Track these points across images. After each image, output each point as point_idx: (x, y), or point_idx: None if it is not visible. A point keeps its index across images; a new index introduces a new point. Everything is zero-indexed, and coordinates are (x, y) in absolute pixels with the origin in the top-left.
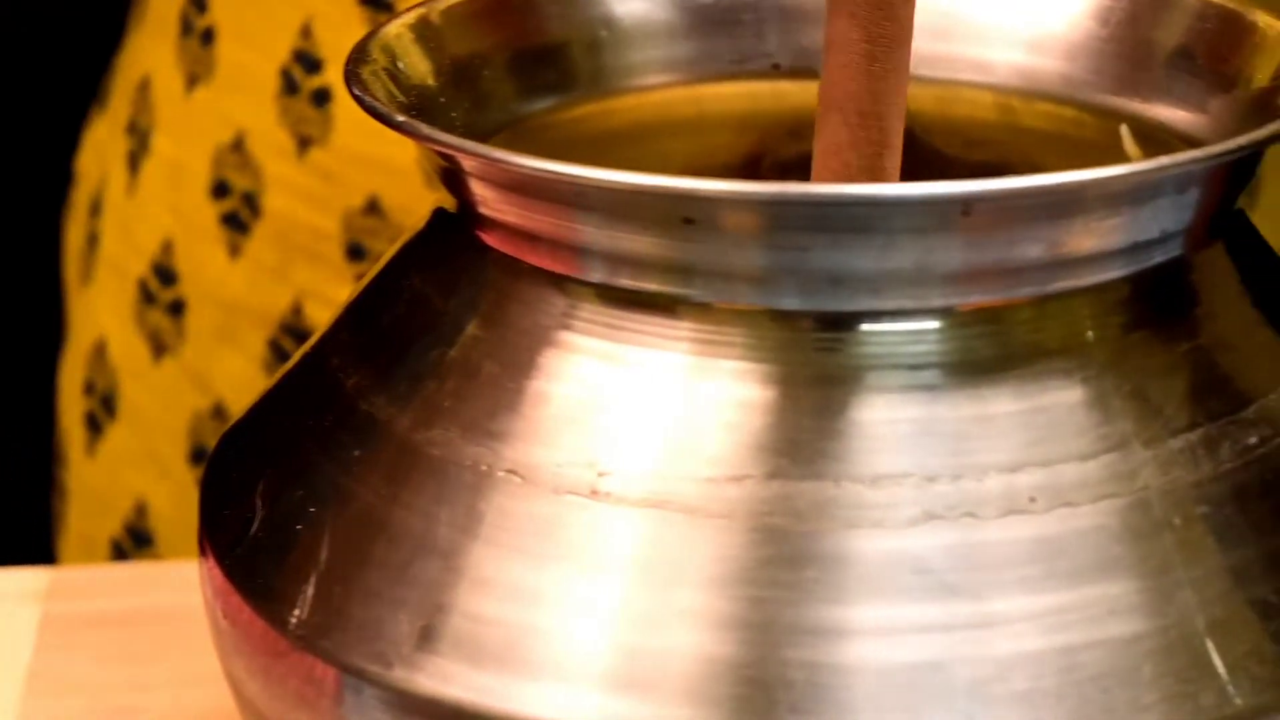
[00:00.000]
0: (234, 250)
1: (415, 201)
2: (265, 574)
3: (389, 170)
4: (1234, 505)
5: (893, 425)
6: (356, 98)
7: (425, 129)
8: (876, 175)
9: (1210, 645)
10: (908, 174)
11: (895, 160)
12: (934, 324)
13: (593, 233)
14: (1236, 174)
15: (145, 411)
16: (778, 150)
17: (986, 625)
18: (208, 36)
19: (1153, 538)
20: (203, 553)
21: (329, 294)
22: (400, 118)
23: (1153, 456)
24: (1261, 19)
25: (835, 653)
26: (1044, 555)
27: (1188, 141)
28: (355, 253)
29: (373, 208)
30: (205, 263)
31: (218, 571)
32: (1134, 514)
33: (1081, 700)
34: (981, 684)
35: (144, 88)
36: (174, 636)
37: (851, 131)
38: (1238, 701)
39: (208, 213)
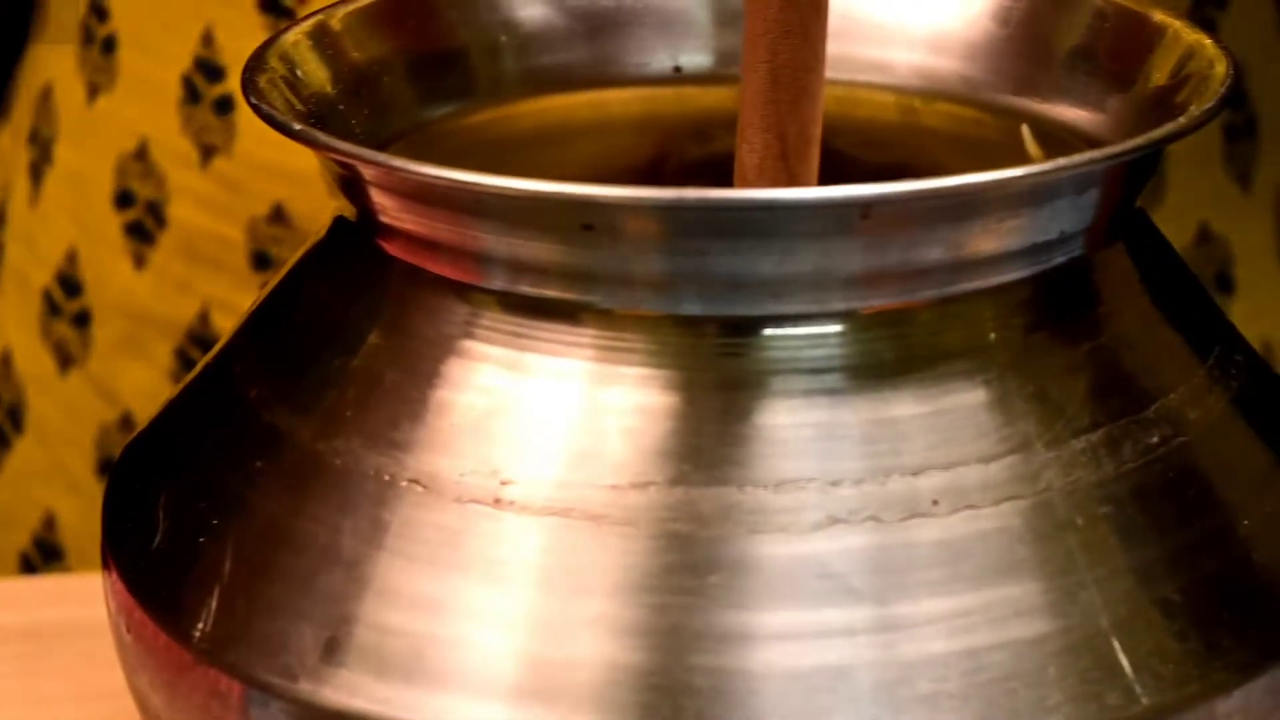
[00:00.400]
0: (139, 260)
1: (321, 209)
2: (168, 587)
3: (294, 178)
4: (1136, 505)
5: (796, 430)
6: (254, 106)
7: (322, 137)
8: (800, 165)
9: (1115, 645)
10: None
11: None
12: (836, 328)
13: (493, 240)
14: (1136, 174)
15: (52, 424)
16: (681, 153)
17: (891, 629)
18: (109, 45)
19: (1056, 539)
20: (106, 566)
21: (235, 303)
22: (297, 126)
23: (1055, 457)
24: (1159, 17)
25: (740, 658)
26: (948, 558)
27: (1088, 141)
28: (261, 261)
29: (278, 216)
30: (110, 273)
31: (121, 585)
32: (1037, 515)
33: (987, 702)
34: (887, 687)
35: (45, 97)
36: (82, 650)
37: (771, 160)
38: (1144, 701)
39: (112, 223)
